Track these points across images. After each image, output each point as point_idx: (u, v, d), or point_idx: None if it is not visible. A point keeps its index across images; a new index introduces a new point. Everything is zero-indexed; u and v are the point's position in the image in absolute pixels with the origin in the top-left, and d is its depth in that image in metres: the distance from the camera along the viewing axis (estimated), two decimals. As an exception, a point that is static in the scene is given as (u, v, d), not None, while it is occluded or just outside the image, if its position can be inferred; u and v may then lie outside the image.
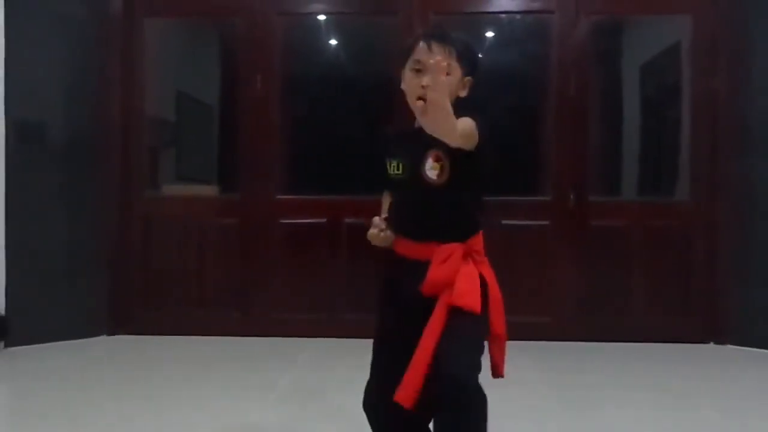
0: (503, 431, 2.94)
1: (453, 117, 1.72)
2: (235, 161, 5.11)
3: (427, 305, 1.99)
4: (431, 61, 1.68)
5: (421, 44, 2.02)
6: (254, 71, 5.00)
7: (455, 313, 1.96)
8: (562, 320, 4.86)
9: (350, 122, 5.28)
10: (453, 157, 1.97)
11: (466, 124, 1.88)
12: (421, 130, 1.80)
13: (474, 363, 1.94)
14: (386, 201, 2.26)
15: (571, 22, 4.92)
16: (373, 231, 2.12)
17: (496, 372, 2.11)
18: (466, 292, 1.97)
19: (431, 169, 2.00)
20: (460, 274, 1.99)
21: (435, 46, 2.00)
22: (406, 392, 1.93)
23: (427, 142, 1.93)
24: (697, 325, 4.86)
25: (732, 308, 4.79)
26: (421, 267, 2.01)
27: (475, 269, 2.03)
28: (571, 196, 4.90)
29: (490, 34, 5.22)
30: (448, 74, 1.92)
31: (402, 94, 2.09)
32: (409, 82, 2.03)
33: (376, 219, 2.14)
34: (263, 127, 5.01)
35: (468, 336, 1.96)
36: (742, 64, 4.77)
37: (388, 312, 2.15)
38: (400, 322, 2.09)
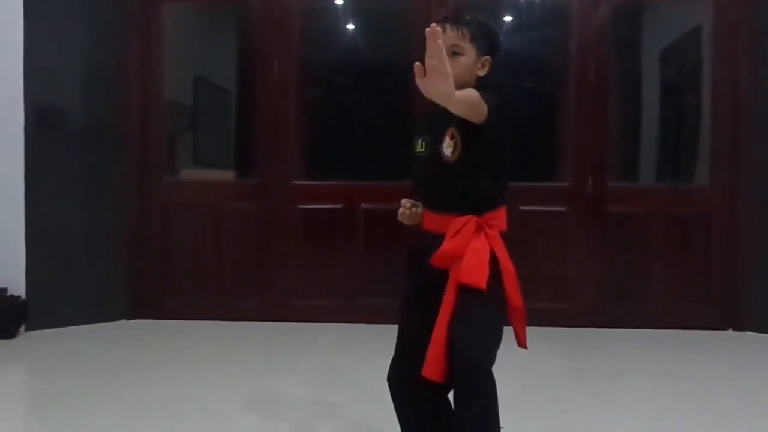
0: (522, 417, 2.95)
1: (451, 81, 1.73)
2: (253, 146, 5.12)
3: (444, 277, 2.02)
4: (427, 29, 1.68)
5: (437, 27, 2.03)
6: (272, 56, 5.00)
7: (466, 290, 1.98)
8: (580, 306, 4.84)
9: (367, 107, 5.26)
10: (465, 133, 2.00)
11: (470, 92, 1.91)
12: (444, 109, 1.85)
13: (485, 347, 1.97)
14: None
15: (592, 7, 4.88)
16: (401, 210, 2.18)
17: (519, 343, 2.13)
18: (472, 269, 1.99)
19: (447, 147, 2.04)
20: (469, 249, 2.01)
21: (449, 29, 2.03)
22: (433, 368, 1.97)
23: (446, 121, 2.00)
24: (716, 311, 4.84)
25: (751, 295, 4.76)
26: (438, 240, 2.05)
27: (486, 244, 2.04)
28: (590, 182, 4.87)
29: (508, 18, 5.18)
30: (460, 54, 2.02)
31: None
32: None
33: (404, 200, 2.19)
34: (280, 113, 5.01)
35: (481, 317, 1.98)
36: (764, 49, 4.71)
37: (410, 285, 2.19)
38: (420, 294, 2.14)
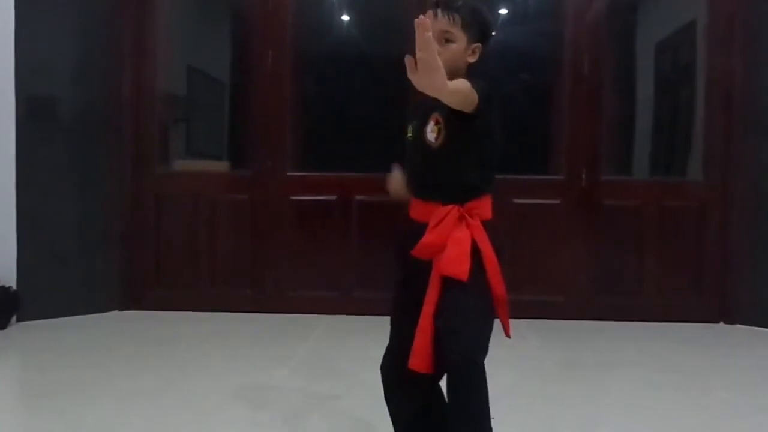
0: (514, 408, 2.96)
1: (443, 74, 1.73)
2: (246, 137, 5.11)
3: (429, 267, 2.03)
4: (416, 20, 1.67)
5: (429, 14, 2.03)
6: (265, 47, 4.98)
7: (450, 281, 1.98)
8: (574, 299, 4.85)
9: (362, 98, 5.25)
10: (450, 119, 2.01)
11: (460, 83, 1.91)
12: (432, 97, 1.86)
13: (475, 338, 1.98)
14: None
15: (587, -1, 4.88)
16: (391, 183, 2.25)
17: (505, 333, 2.13)
18: (454, 260, 1.98)
19: (431, 132, 2.05)
20: (451, 240, 2.00)
21: (440, 14, 2.03)
22: (419, 359, 1.98)
23: (432, 106, 2.02)
24: (708, 304, 4.86)
25: (743, 288, 4.78)
26: (422, 229, 2.05)
27: (467, 234, 2.02)
28: (584, 175, 4.88)
29: (503, 11, 5.17)
30: (451, 41, 2.02)
31: None
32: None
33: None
34: (274, 103, 4.99)
35: (467, 309, 1.98)
36: (759, 43, 4.71)
37: (398, 273, 2.19)
38: (407, 283, 2.14)
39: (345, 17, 5.36)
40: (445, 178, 2.08)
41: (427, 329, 1.97)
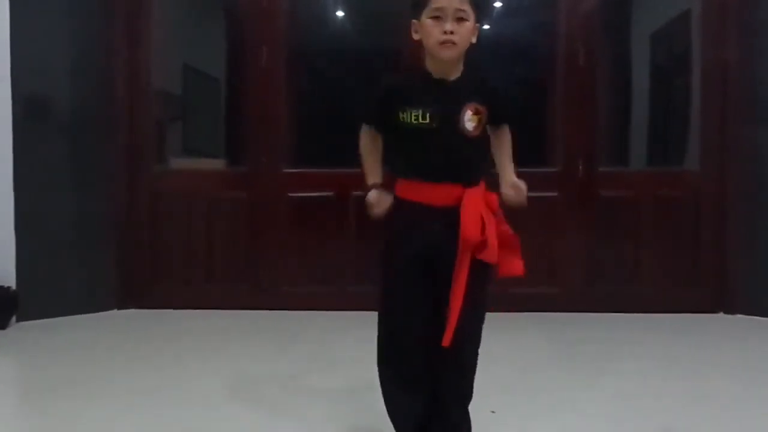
0: (512, 401, 2.96)
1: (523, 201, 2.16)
2: (242, 134, 5.09)
3: (449, 247, 2.09)
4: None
5: None
6: (260, 43, 4.97)
7: (475, 268, 2.08)
8: (570, 291, 4.85)
9: (357, 94, 5.24)
10: (490, 110, 2.14)
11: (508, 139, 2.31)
12: (457, 80, 2.08)
13: (477, 332, 2.18)
14: (373, 151, 2.36)
15: (581, -11, 4.87)
16: (372, 205, 2.27)
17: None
18: (493, 249, 2.09)
19: (469, 121, 2.11)
20: (488, 228, 2.10)
21: None
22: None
23: (461, 93, 2.11)
24: (707, 294, 4.85)
25: (741, 278, 4.78)
26: (446, 210, 2.10)
27: (494, 223, 2.14)
28: (580, 167, 4.88)
29: (497, 3, 5.16)
30: (465, 19, 2.06)
31: (410, 62, 2.18)
32: (430, 30, 2.08)
33: (372, 194, 2.28)
34: (269, 100, 4.98)
35: (480, 304, 2.14)
36: (753, 32, 4.71)
37: (409, 253, 2.19)
38: (423, 262, 2.18)
39: (340, 12, 5.35)
40: (476, 164, 2.18)
41: (458, 308, 2.05)
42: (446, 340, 2.05)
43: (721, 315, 4.81)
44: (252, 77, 5.01)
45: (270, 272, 4.97)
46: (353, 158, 5.10)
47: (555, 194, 4.89)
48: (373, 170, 2.33)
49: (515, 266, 2.17)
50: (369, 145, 2.34)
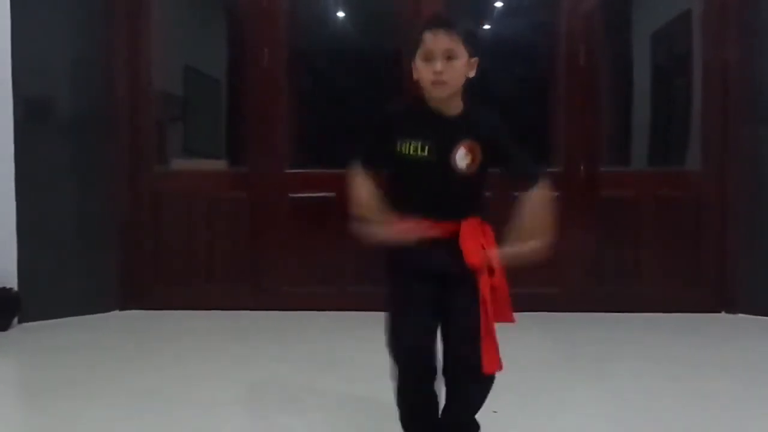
0: (515, 403, 2.96)
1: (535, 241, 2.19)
2: (243, 135, 5.10)
3: (451, 273, 2.11)
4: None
5: (428, 34, 2.07)
6: (261, 44, 4.96)
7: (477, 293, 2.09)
8: (572, 291, 4.85)
9: (358, 95, 5.24)
10: (485, 150, 2.12)
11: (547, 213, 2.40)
12: (453, 116, 2.09)
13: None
14: (366, 184, 2.18)
15: (582, -11, 4.87)
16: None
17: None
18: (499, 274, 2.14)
19: (462, 159, 2.09)
20: (492, 256, 2.13)
21: (442, 34, 2.06)
22: (490, 358, 2.09)
23: (457, 129, 2.09)
24: (708, 294, 4.85)
25: (743, 277, 4.77)
26: (443, 241, 2.10)
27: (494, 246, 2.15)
28: (582, 167, 4.87)
29: (498, 3, 5.16)
30: (454, 58, 2.05)
31: (410, 68, 2.16)
32: (422, 71, 2.09)
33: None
34: (271, 101, 4.98)
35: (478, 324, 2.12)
36: (753, 32, 4.70)
37: (415, 280, 2.17)
38: (431, 288, 2.16)
39: (340, 13, 5.36)
40: (469, 201, 2.16)
41: (492, 329, 2.08)
42: (487, 367, 2.07)
43: (722, 315, 4.80)
44: (253, 78, 5.01)
45: (270, 273, 4.97)
46: (353, 158, 5.09)
47: (556, 194, 4.86)
48: (380, 214, 2.15)
49: (506, 315, 2.17)
50: (366, 189, 2.18)
